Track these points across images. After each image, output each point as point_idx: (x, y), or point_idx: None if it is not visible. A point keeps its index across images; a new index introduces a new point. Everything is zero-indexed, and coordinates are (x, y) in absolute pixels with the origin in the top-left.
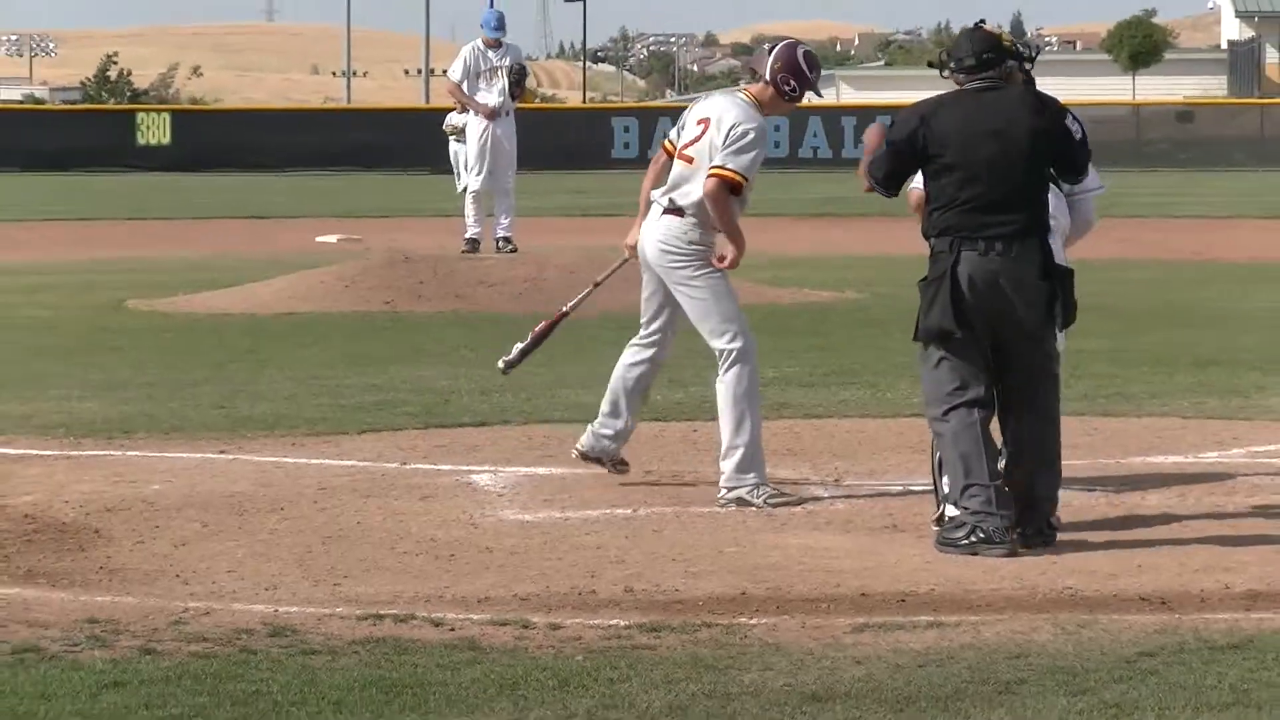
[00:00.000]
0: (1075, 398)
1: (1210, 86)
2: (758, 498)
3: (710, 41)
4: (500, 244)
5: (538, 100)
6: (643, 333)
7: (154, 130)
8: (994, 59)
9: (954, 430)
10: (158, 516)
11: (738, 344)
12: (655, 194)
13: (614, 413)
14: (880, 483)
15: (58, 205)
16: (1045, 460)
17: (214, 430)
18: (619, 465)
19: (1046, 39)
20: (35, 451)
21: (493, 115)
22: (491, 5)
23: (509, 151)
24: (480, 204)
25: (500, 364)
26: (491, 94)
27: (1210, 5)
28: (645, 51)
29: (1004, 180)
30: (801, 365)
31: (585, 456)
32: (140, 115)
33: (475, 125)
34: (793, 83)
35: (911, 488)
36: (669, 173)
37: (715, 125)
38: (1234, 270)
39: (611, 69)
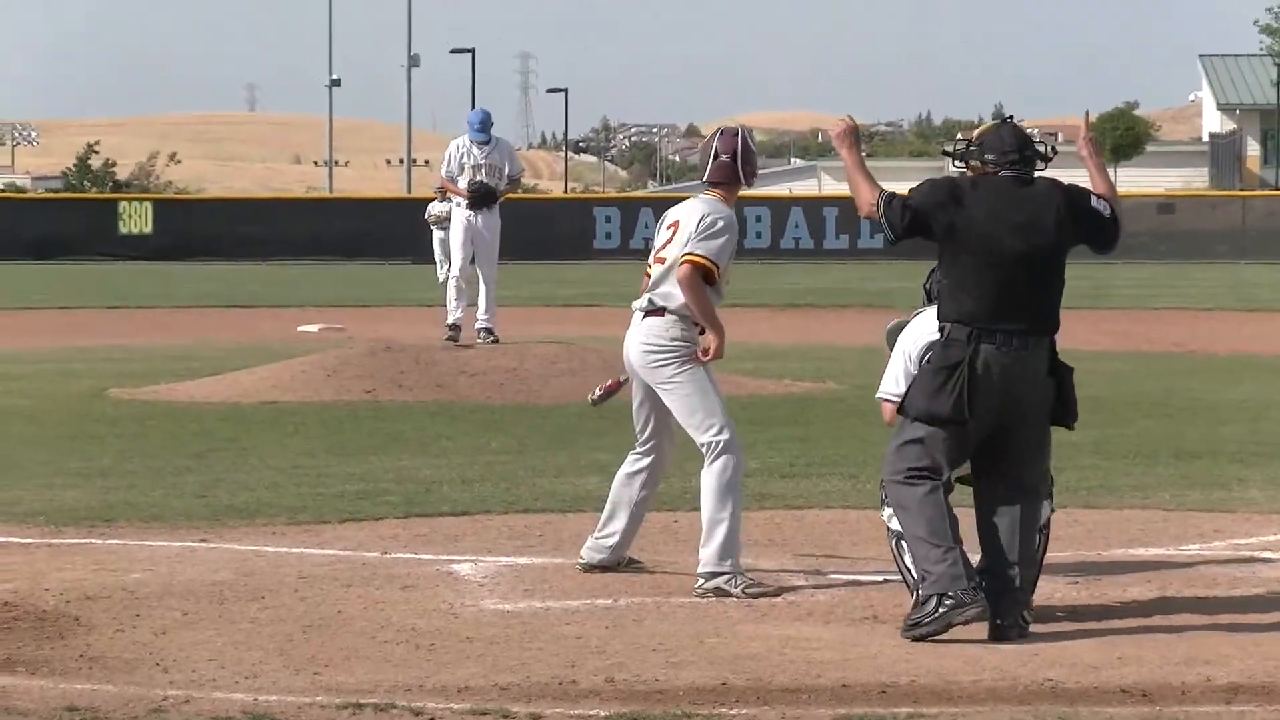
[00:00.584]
0: (1059, 490)
1: (1192, 178)
2: (736, 587)
3: (692, 132)
4: (481, 335)
5: (520, 191)
6: (639, 442)
7: (136, 219)
8: (1032, 155)
9: (919, 497)
10: (138, 605)
11: (724, 436)
12: (634, 303)
13: (612, 522)
14: (861, 574)
15: (39, 293)
16: (1026, 555)
17: (195, 519)
18: (630, 564)
19: (1028, 131)
20: (16, 539)
21: (473, 198)
22: (474, 105)
23: (490, 242)
24: (462, 292)
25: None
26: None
27: (1191, 98)
28: (627, 142)
29: (1027, 275)
30: (782, 456)
31: (590, 568)
32: (123, 204)
33: (458, 215)
34: (737, 166)
35: (891, 579)
36: None
37: (684, 224)
38: (1215, 362)
39: (593, 159)
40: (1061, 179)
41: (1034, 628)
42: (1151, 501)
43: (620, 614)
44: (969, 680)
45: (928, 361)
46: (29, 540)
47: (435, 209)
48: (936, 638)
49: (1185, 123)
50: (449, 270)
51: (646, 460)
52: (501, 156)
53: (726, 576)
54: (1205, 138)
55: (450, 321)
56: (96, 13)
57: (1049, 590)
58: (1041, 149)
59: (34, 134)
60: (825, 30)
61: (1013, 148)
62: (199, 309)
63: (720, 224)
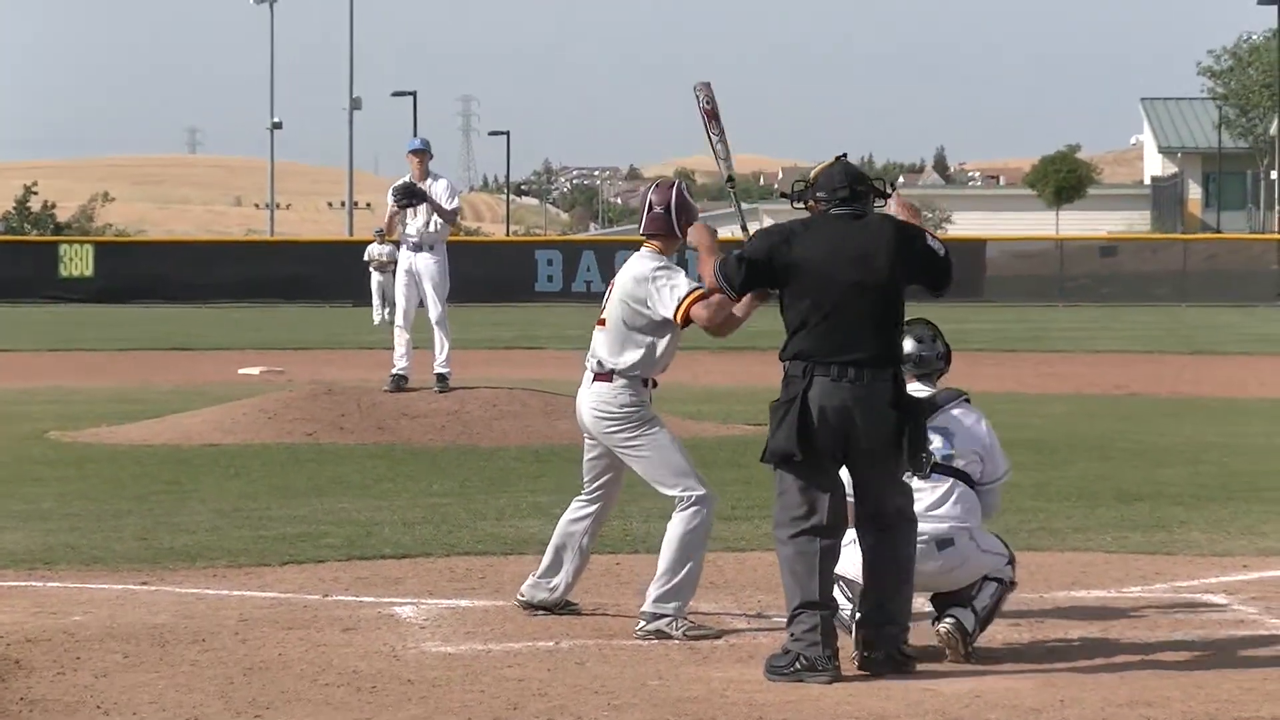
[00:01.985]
0: (999, 530)
1: (1134, 221)
2: (677, 630)
3: (633, 175)
4: (437, 382)
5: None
6: (585, 490)
7: (77, 262)
8: (864, 191)
9: (790, 555)
10: (79, 647)
11: (696, 491)
12: (587, 358)
13: (555, 566)
14: None
15: None
16: (892, 587)
17: (136, 561)
18: (567, 606)
19: (970, 174)
20: None
21: (400, 196)
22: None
23: (436, 284)
24: (406, 337)
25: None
26: (414, 224)
27: (1133, 141)
28: (569, 185)
29: (861, 307)
30: (725, 498)
31: (529, 605)
32: (63, 247)
33: (402, 257)
34: (672, 218)
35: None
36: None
37: (619, 283)
38: (1156, 404)
39: (535, 202)
40: (997, 218)
41: (975, 667)
42: (1093, 544)
43: (562, 656)
44: None
45: (774, 402)
46: None
47: (375, 250)
48: (878, 678)
49: (1127, 165)
50: (386, 315)
51: (593, 507)
52: (439, 193)
53: (668, 619)
54: (1147, 181)
55: (396, 371)
56: (34, 54)
57: (991, 632)
58: (878, 185)
59: None
60: (765, 74)
61: (843, 184)
62: (140, 351)
63: (663, 271)
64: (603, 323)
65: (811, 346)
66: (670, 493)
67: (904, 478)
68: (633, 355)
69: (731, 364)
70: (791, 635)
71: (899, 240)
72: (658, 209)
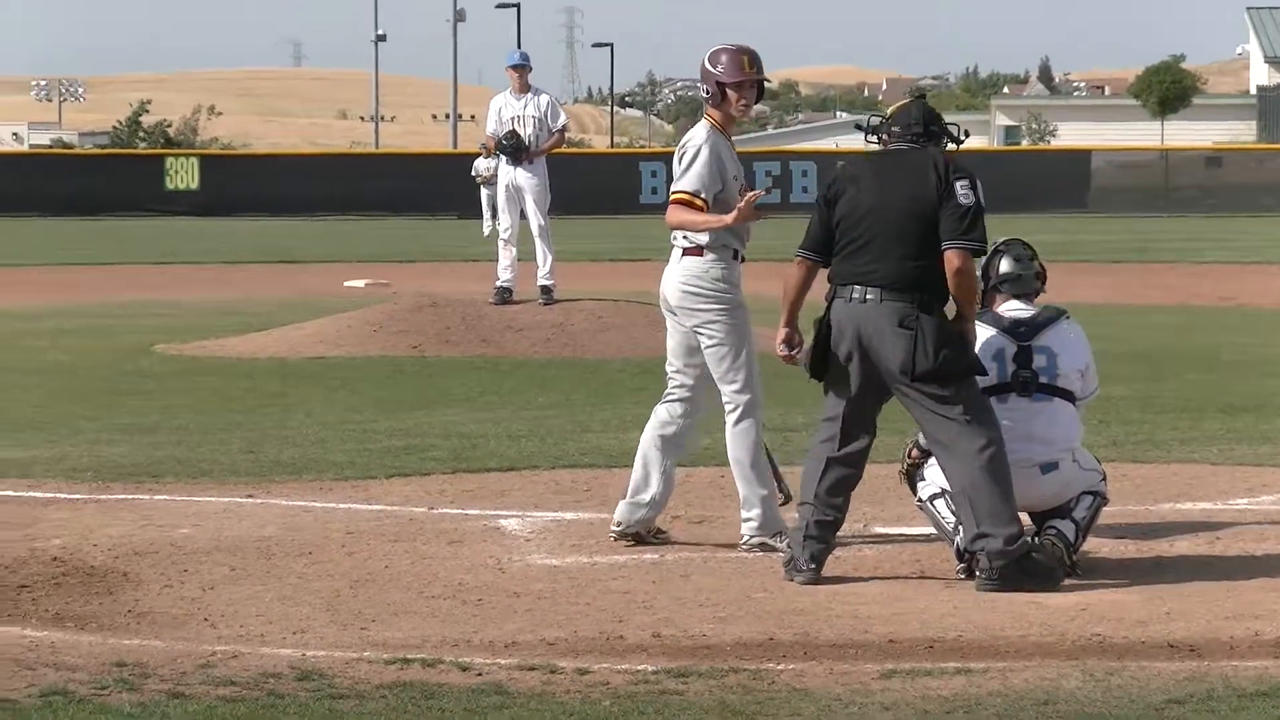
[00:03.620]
0: (1104, 444)
1: (1239, 132)
2: (780, 542)
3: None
4: (542, 294)
5: (566, 146)
6: (671, 388)
7: (183, 175)
8: (936, 131)
9: (811, 456)
10: (186, 560)
11: (745, 396)
12: (672, 239)
13: (646, 482)
14: (908, 529)
15: (85, 250)
16: (967, 503)
17: (242, 475)
18: (657, 535)
19: (1075, 84)
20: (64, 495)
21: (501, 150)
22: (519, 47)
23: (537, 198)
24: (511, 251)
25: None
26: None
27: (1239, 51)
28: (673, 96)
29: (878, 231)
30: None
31: (623, 534)
32: (169, 160)
33: (501, 173)
34: (705, 88)
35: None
36: None
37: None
38: (1262, 316)
39: (639, 114)
40: (1102, 129)
41: (1081, 582)
42: (1198, 456)
43: (667, 569)
44: (1016, 635)
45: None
46: (77, 496)
47: (480, 165)
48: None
49: (1233, 75)
50: (495, 225)
51: (680, 409)
52: (540, 108)
53: (772, 534)
54: (1253, 91)
55: (500, 284)
56: None
57: (1096, 544)
58: (952, 130)
59: (81, 90)
60: None
61: (917, 120)
62: (245, 265)
63: (688, 151)
64: None
65: (837, 269)
66: (724, 389)
67: (979, 396)
68: None
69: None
70: (789, 528)
71: (934, 172)
72: (702, 82)
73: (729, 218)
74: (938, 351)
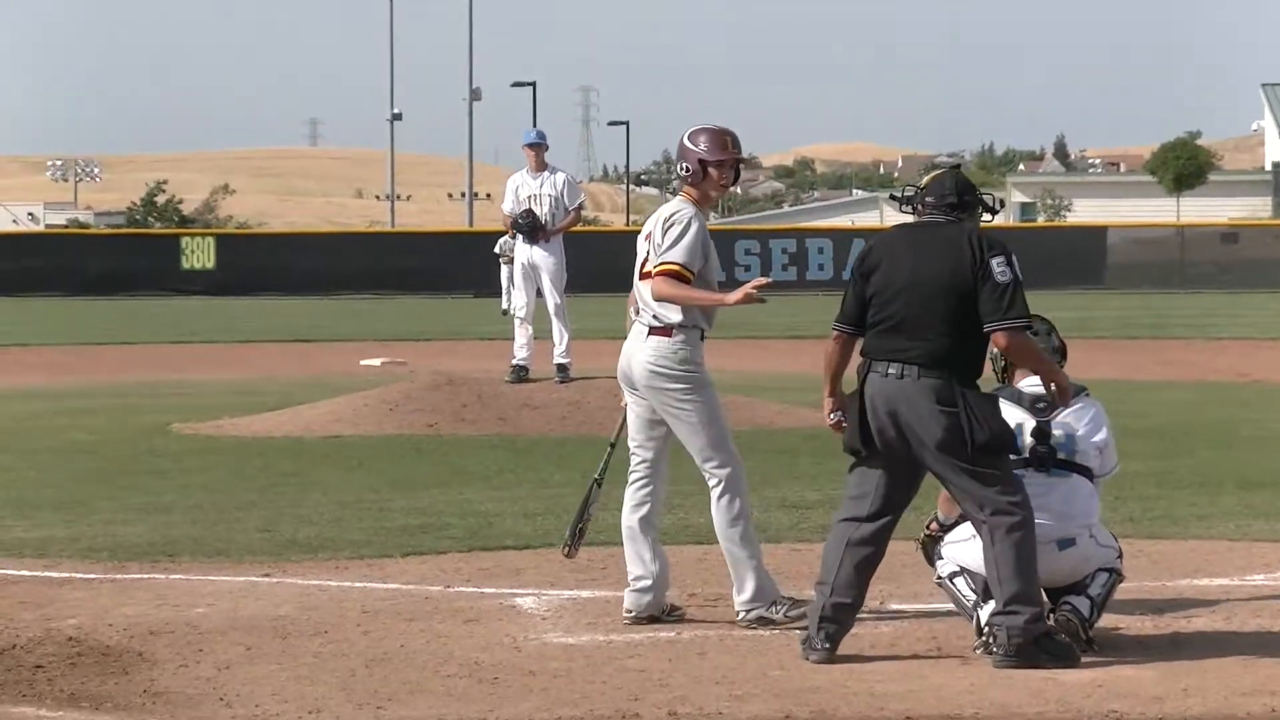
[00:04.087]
0: (1121, 520)
1: (1255, 207)
2: (777, 613)
3: (753, 164)
4: (558, 372)
5: (582, 225)
6: (635, 465)
7: (199, 254)
8: (971, 202)
9: (833, 535)
10: (201, 640)
11: (725, 470)
12: (635, 317)
13: (641, 564)
14: (924, 606)
15: (103, 329)
16: (998, 578)
17: (258, 553)
18: (672, 612)
19: (1090, 161)
20: (80, 575)
21: (518, 229)
22: (534, 125)
23: (554, 276)
24: (527, 329)
25: (564, 551)
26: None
27: (1255, 127)
28: None
29: (914, 309)
30: (843, 487)
31: (638, 620)
32: (185, 239)
33: (519, 250)
34: (685, 165)
35: (955, 611)
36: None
37: (654, 233)
38: (1278, 392)
39: (655, 191)
40: (1117, 205)
41: (1097, 658)
42: (1215, 532)
43: (683, 646)
44: (1034, 712)
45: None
46: (93, 576)
47: (504, 243)
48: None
49: (1248, 152)
50: (513, 305)
51: (646, 489)
52: (556, 187)
53: (767, 605)
54: (1268, 166)
55: (516, 362)
56: (157, 48)
57: (1114, 620)
58: (987, 200)
59: (97, 170)
60: (884, 63)
61: (951, 191)
62: (261, 344)
63: (678, 225)
64: (647, 276)
65: (872, 344)
66: (703, 465)
67: (1014, 472)
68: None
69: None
70: (806, 604)
71: (969, 249)
72: (679, 160)
73: (730, 297)
74: (988, 425)
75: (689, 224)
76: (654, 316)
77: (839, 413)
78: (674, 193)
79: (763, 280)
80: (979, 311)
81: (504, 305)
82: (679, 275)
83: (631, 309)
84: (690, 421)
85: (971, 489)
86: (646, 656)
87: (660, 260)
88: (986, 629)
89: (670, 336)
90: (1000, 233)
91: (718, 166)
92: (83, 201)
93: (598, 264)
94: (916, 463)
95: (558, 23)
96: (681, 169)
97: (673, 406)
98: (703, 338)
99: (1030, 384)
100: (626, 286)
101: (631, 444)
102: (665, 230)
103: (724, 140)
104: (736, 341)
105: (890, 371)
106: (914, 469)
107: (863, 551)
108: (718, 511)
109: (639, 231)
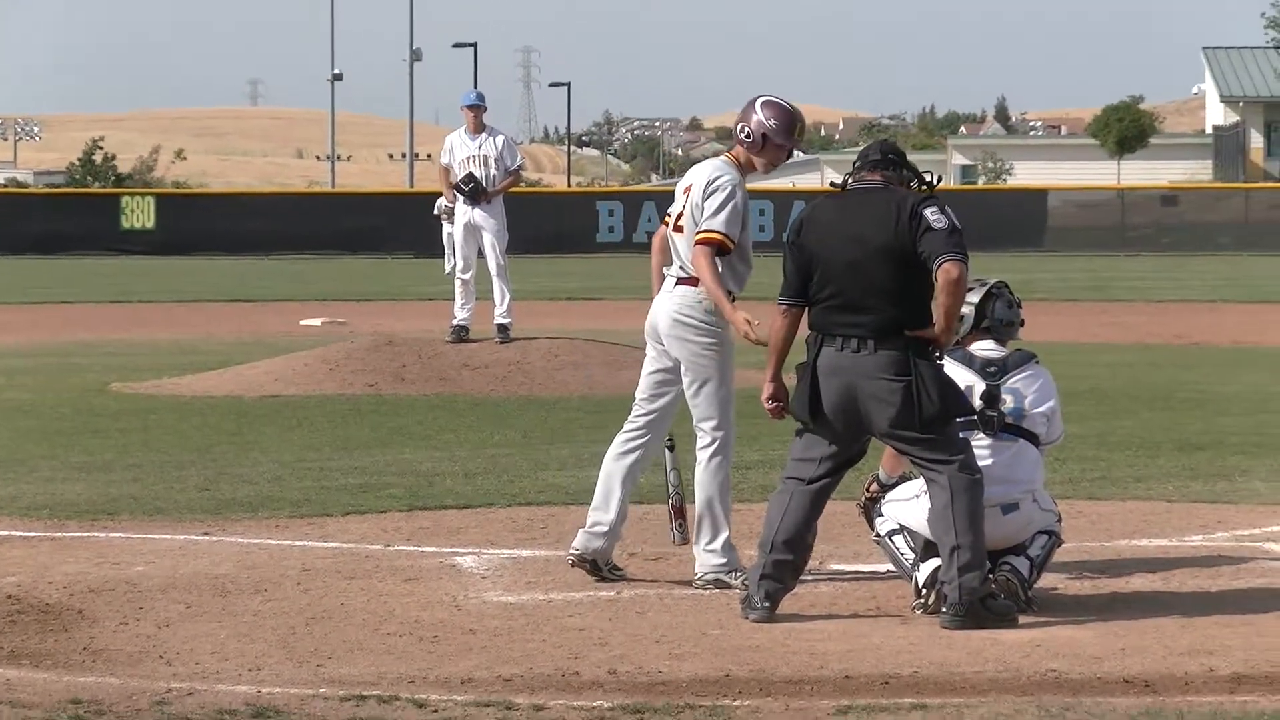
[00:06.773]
0: (1060, 481)
1: (1196, 171)
2: (736, 579)
3: (695, 125)
4: (499, 333)
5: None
6: (635, 415)
7: (139, 214)
8: (897, 162)
9: (776, 494)
10: (141, 598)
11: (721, 433)
12: (666, 268)
13: (605, 508)
14: (864, 566)
15: (41, 289)
16: (942, 538)
17: (198, 512)
18: (614, 570)
19: (1031, 124)
20: (19, 533)
21: (460, 191)
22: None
23: (495, 237)
24: (470, 292)
25: (674, 542)
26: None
27: (1195, 90)
28: (629, 136)
29: (859, 283)
30: (788, 449)
31: (581, 560)
32: (125, 199)
33: (458, 211)
34: (747, 129)
35: (895, 572)
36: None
37: (694, 189)
38: (1217, 354)
39: (596, 153)
40: (1059, 168)
41: (1036, 618)
42: (1154, 493)
43: (623, 605)
44: (972, 671)
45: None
46: (32, 534)
47: (443, 203)
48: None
49: (1189, 115)
50: (455, 266)
51: (640, 439)
52: (496, 148)
53: (727, 570)
54: (1209, 130)
55: (456, 322)
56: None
57: (1053, 581)
58: (926, 176)
59: (36, 129)
60: (829, 22)
61: (875, 150)
62: (201, 303)
63: (722, 191)
64: (680, 230)
65: (820, 320)
66: (700, 422)
67: (967, 435)
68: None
69: None
70: (749, 567)
71: (900, 208)
72: (741, 121)
73: (732, 316)
74: (941, 397)
75: (733, 191)
76: (680, 268)
77: (776, 399)
78: (614, 154)
79: (757, 336)
80: (924, 256)
81: (447, 266)
82: (721, 245)
83: (657, 258)
84: (703, 376)
85: (919, 454)
86: (586, 615)
87: (704, 227)
88: (935, 588)
89: (697, 287)
90: (942, 195)
91: (777, 148)
92: (22, 161)
93: (540, 225)
94: (864, 429)
95: None
96: (742, 132)
97: (690, 357)
98: (732, 300)
99: (982, 348)
100: (569, 248)
101: (638, 397)
102: (708, 194)
103: (794, 125)
104: None
105: (846, 347)
106: (861, 434)
107: (805, 513)
108: (704, 471)
109: (580, 193)
